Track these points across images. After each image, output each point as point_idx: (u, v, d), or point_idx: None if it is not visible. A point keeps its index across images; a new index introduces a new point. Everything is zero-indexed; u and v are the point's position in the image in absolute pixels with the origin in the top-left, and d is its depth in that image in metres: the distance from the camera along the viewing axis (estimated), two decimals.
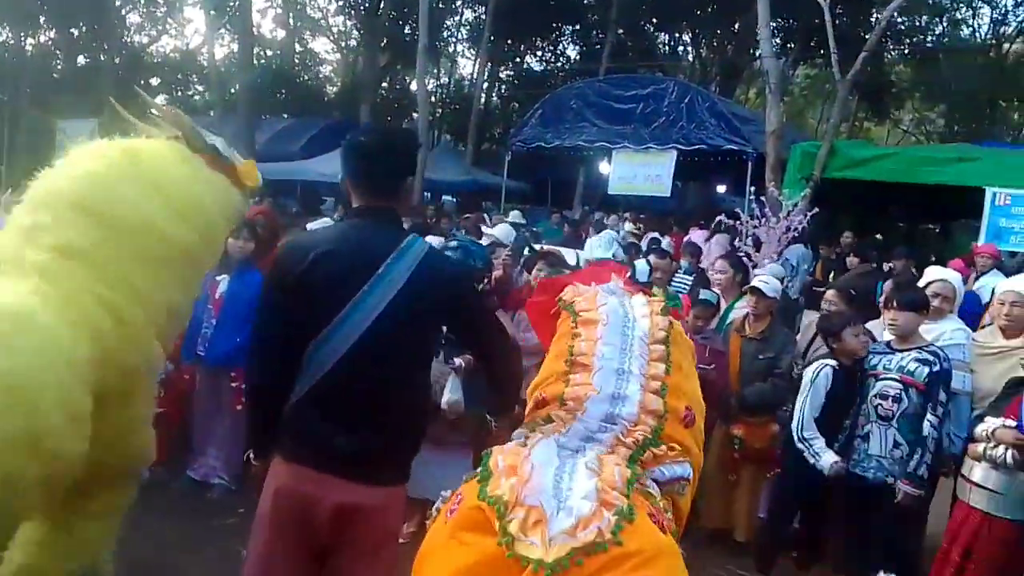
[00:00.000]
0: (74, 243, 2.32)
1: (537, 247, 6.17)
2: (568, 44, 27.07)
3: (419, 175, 14.75)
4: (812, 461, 3.64)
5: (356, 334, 2.01)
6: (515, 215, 12.16)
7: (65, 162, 2.56)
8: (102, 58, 22.14)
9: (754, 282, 4.50)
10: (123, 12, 22.26)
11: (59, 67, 23.86)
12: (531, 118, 14.72)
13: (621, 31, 22.65)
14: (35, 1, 19.31)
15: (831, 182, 10.16)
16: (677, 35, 26.43)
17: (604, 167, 14.64)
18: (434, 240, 5.19)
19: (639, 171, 12.94)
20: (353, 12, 23.23)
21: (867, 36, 13.72)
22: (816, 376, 3.74)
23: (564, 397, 2.02)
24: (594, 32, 24.74)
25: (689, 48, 26.26)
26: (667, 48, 26.43)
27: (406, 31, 23.36)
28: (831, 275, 8.78)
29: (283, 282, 2.12)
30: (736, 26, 22.46)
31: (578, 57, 26.18)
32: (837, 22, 13.93)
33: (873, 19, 19.12)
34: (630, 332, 2.14)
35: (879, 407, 3.57)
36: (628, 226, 12.05)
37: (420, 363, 2.21)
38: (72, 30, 22.27)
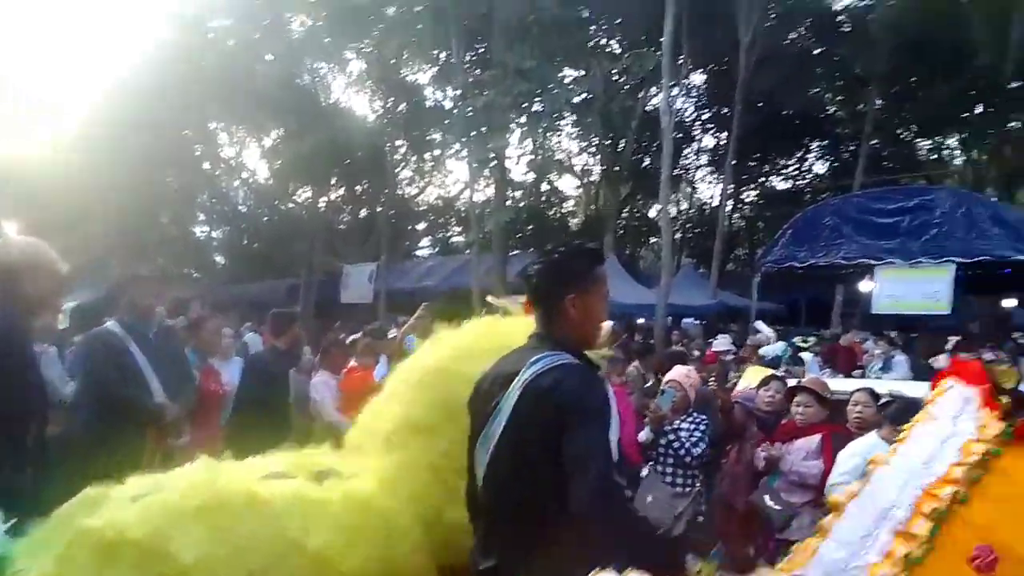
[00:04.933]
0: (420, 420, 2.70)
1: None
2: (816, 160, 26.29)
3: (662, 299, 14.71)
4: None
5: (488, 453, 2.04)
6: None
7: (434, 340, 2.98)
8: (378, 209, 25.24)
9: None
10: (397, 169, 25.40)
11: (345, 219, 27.61)
12: (781, 237, 14.21)
13: (876, 142, 21.53)
14: (329, 166, 22.67)
15: None
16: (942, 141, 24.55)
17: (866, 285, 13.61)
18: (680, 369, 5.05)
19: (911, 288, 11.83)
20: (596, 149, 24.53)
21: None
22: None
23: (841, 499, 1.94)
24: (844, 146, 23.79)
25: (957, 153, 24.20)
26: (931, 155, 24.60)
27: (646, 161, 24.11)
28: None
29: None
30: (1012, 125, 20.37)
31: (828, 173, 25.24)
32: None
33: None
34: (945, 443, 1.92)
35: None
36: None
37: (543, 486, 1.91)
38: (356, 187, 25.81)
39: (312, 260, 23.14)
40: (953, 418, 2.00)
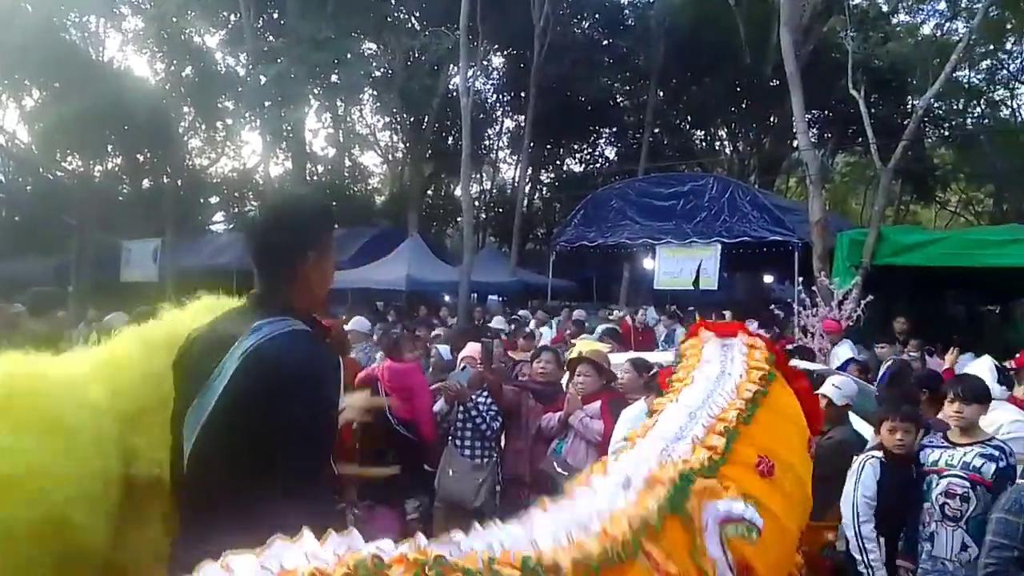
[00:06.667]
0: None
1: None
2: (606, 146, 27.86)
3: (465, 277, 14.99)
4: (867, 548, 3.52)
5: (196, 428, 1.74)
6: (578, 313, 12.20)
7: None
8: (165, 181, 23.32)
9: (823, 389, 4.46)
10: (185, 138, 23.60)
11: (124, 191, 25.25)
12: (573, 218, 14.99)
13: (657, 130, 23.26)
14: (104, 131, 20.59)
15: (883, 268, 10.05)
16: (713, 131, 27.02)
17: (648, 263, 14.74)
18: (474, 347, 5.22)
19: (684, 265, 12.98)
20: (399, 127, 24.35)
21: (905, 123, 13.85)
22: (861, 467, 3.65)
23: (627, 437, 2.08)
24: (630, 133, 25.46)
25: (726, 143, 26.78)
26: (703, 144, 26.98)
27: (449, 142, 24.33)
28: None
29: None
30: (772, 119, 22.90)
31: (616, 158, 26.87)
32: (873, 111, 14.13)
33: (909, 106, 19.31)
34: (721, 383, 2.21)
35: (945, 506, 3.38)
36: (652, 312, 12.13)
37: (253, 469, 1.65)
38: (138, 156, 23.68)
39: (85, 235, 20.94)
40: (722, 362, 2.35)
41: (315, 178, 25.29)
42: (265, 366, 1.69)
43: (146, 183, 25.03)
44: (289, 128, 18.04)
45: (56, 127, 19.70)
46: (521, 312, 13.70)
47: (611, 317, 12.68)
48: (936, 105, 20.06)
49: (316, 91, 18.26)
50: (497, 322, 10.01)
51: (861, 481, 3.64)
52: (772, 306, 10.95)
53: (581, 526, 1.54)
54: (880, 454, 3.67)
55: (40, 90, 20.94)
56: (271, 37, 18.93)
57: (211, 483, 1.71)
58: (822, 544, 3.99)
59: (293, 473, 1.66)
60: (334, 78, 17.90)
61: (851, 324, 8.67)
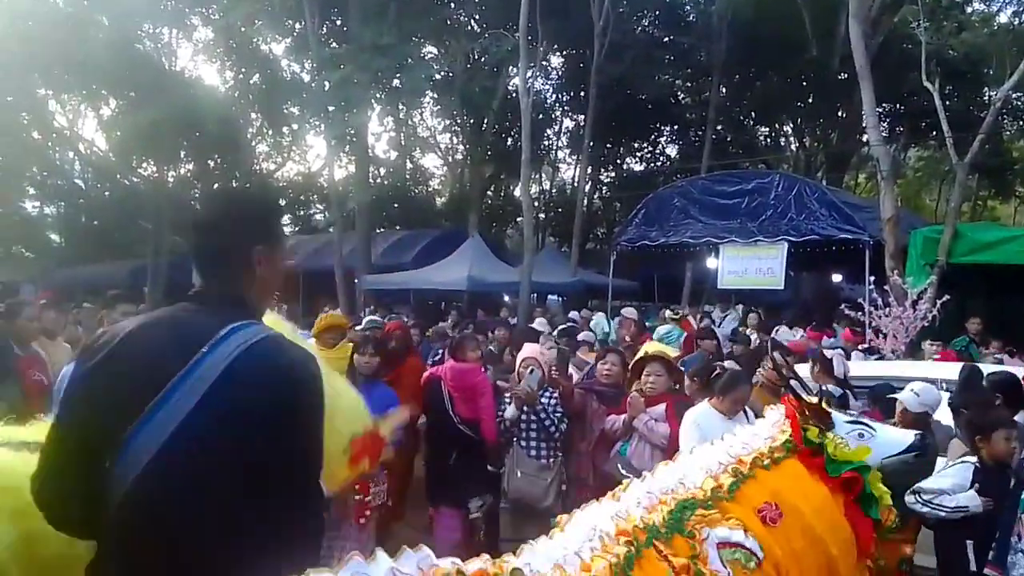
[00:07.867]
0: None
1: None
2: (667, 144, 27.53)
3: (526, 277, 15.01)
4: (953, 505, 3.41)
5: (152, 447, 1.43)
6: (628, 311, 12.11)
7: None
8: (234, 185, 24.07)
9: (900, 394, 4.32)
10: (253, 143, 24.28)
11: (197, 195, 26.13)
12: (635, 217, 14.82)
13: (720, 127, 22.86)
14: (177, 138, 21.33)
15: (958, 267, 9.64)
16: (778, 127, 26.40)
17: (712, 262, 14.49)
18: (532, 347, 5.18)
19: (749, 264, 12.71)
20: (459, 129, 24.55)
21: (980, 114, 13.28)
22: (949, 466, 3.56)
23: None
24: (692, 130, 25.09)
25: (791, 139, 26.12)
26: (768, 141, 26.38)
27: (508, 142, 24.40)
28: None
29: (73, 378, 1.59)
30: (840, 113, 22.25)
31: (678, 156, 26.52)
32: (947, 103, 13.60)
33: (985, 97, 18.52)
34: (758, 435, 2.62)
35: None
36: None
37: (243, 504, 1.42)
38: (209, 161, 24.46)
39: (160, 239, 21.75)
40: (768, 427, 2.80)
41: (378, 180, 25.72)
42: (264, 374, 1.49)
43: (217, 187, 25.78)
44: (352, 132, 18.36)
45: (132, 135, 20.47)
46: (572, 313, 13.65)
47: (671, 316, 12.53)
48: (1014, 96, 19.14)
49: (378, 96, 18.53)
50: (539, 324, 9.86)
51: (941, 474, 3.53)
52: (842, 306, 10.60)
53: (605, 532, 1.86)
54: (974, 459, 3.54)
55: (116, 99, 21.76)
56: (335, 44, 19.30)
57: (183, 511, 1.42)
58: (899, 558, 3.88)
59: (294, 496, 1.47)
60: (396, 83, 18.15)
61: (926, 325, 8.35)
